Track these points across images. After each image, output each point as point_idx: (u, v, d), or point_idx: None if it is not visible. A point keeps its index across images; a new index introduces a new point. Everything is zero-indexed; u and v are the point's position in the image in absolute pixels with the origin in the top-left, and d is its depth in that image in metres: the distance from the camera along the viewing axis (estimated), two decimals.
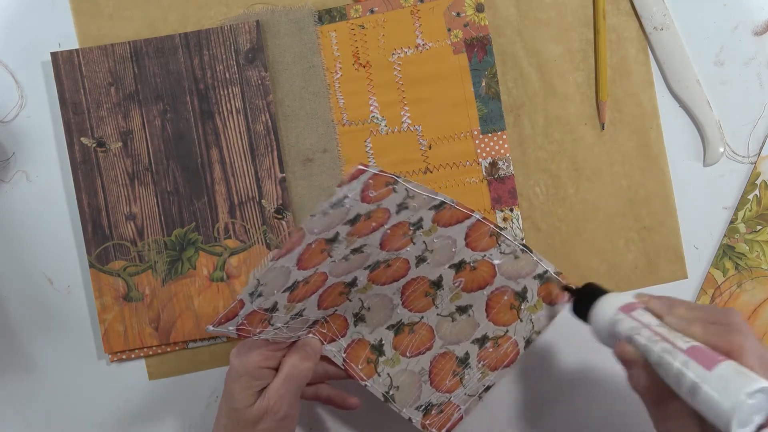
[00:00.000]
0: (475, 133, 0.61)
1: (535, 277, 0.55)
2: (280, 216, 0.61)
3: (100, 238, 0.61)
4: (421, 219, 0.52)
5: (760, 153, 0.61)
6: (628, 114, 0.62)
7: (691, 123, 0.62)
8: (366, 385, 0.56)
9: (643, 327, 0.44)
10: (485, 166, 0.61)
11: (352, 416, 0.63)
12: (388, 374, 0.57)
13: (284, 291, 0.50)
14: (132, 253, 0.61)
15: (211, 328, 0.48)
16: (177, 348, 0.62)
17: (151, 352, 0.62)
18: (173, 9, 0.61)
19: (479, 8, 0.61)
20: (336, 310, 0.55)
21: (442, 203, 0.51)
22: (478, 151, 0.61)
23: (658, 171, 0.62)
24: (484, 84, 0.61)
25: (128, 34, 0.61)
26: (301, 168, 0.61)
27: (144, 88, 0.61)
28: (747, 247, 0.61)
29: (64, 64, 0.60)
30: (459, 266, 0.56)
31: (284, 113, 0.61)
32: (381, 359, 0.57)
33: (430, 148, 0.61)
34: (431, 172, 0.61)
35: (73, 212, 0.62)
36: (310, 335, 0.55)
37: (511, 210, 0.61)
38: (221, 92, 0.61)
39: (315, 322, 0.55)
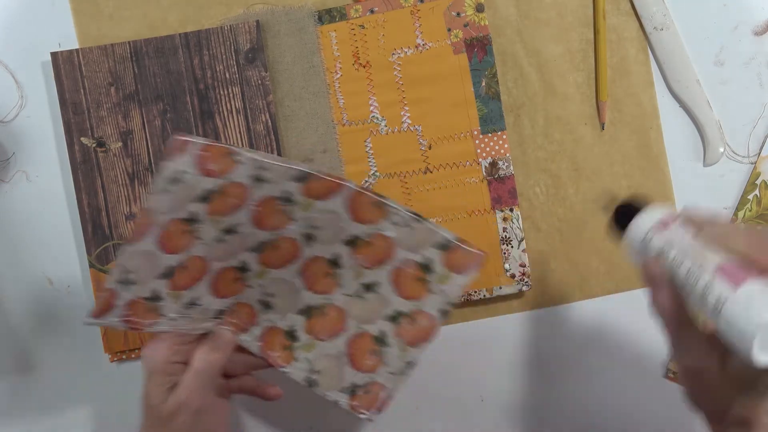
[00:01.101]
0: (475, 133, 0.61)
1: (436, 247, 0.53)
2: None
3: (100, 238, 0.61)
4: (288, 192, 0.51)
5: (760, 153, 0.61)
6: (628, 114, 0.62)
7: (691, 123, 0.62)
8: (286, 372, 0.55)
9: (675, 243, 0.40)
10: (485, 166, 0.61)
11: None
12: (307, 359, 0.55)
13: (161, 278, 0.49)
14: None
15: (87, 320, 0.48)
16: None
17: None
18: (173, 9, 0.61)
19: (479, 8, 0.61)
20: (239, 299, 0.54)
21: (306, 174, 0.50)
22: (478, 151, 0.61)
23: (658, 171, 0.62)
24: (484, 84, 0.61)
25: (128, 34, 0.61)
26: None
27: (144, 88, 0.61)
28: None
29: (64, 64, 0.60)
30: (354, 242, 0.54)
31: (284, 113, 0.61)
32: (296, 345, 0.55)
33: (430, 148, 0.61)
34: (431, 172, 0.61)
35: (73, 212, 0.62)
36: (224, 327, 0.54)
37: (511, 210, 0.61)
38: (221, 92, 0.61)
39: (222, 312, 0.54)
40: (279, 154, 0.61)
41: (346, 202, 0.52)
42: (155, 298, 0.50)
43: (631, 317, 0.62)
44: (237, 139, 0.61)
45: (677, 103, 0.62)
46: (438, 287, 0.54)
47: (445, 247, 0.53)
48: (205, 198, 0.48)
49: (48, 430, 0.63)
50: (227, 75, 0.61)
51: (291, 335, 0.55)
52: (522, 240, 0.61)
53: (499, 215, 0.61)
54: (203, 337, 0.53)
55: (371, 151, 0.61)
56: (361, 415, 0.55)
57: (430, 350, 0.63)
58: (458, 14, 0.61)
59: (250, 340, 0.55)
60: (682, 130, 0.62)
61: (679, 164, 0.62)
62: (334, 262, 0.54)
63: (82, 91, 0.61)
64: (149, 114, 0.61)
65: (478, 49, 0.61)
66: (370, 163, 0.61)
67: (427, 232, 0.53)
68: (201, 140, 0.47)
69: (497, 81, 0.61)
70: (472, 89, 0.61)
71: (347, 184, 0.51)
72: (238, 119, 0.61)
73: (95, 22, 0.62)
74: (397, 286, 0.54)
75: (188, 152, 0.46)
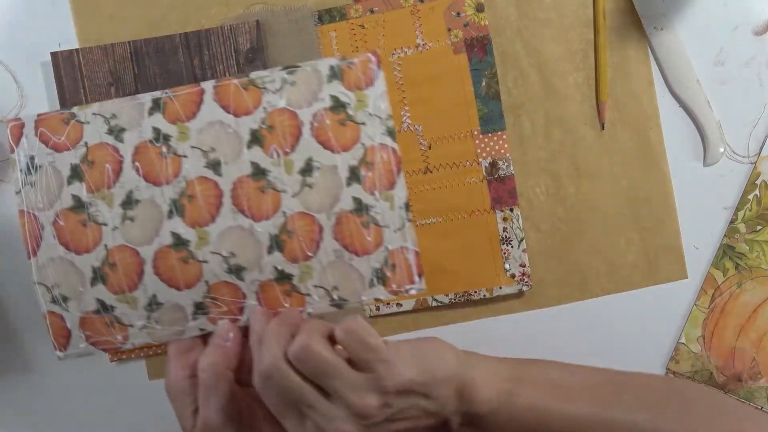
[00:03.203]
0: (475, 133, 0.61)
1: (329, 80, 0.47)
2: None
3: None
4: (155, 129, 0.46)
5: (760, 153, 0.61)
6: (628, 114, 0.62)
7: (691, 123, 0.62)
8: (309, 313, 0.48)
9: None
10: (485, 166, 0.61)
11: None
12: (314, 285, 0.48)
13: (93, 284, 0.45)
14: None
15: (60, 354, 0.45)
16: None
17: (151, 352, 0.62)
18: (173, 9, 0.61)
19: (479, 8, 0.61)
20: (207, 282, 0.47)
21: (157, 100, 0.46)
22: (478, 151, 0.61)
23: (658, 171, 0.62)
24: (484, 84, 0.61)
25: (128, 34, 0.61)
26: None
27: (144, 88, 0.61)
28: (747, 247, 0.61)
29: (64, 64, 0.60)
30: (256, 138, 0.47)
31: None
32: (294, 281, 0.48)
33: (430, 148, 0.61)
34: (431, 172, 0.61)
35: None
36: (221, 322, 0.47)
37: (511, 210, 0.61)
38: None
39: (201, 306, 0.47)
40: None
41: (218, 104, 0.46)
42: (104, 308, 0.45)
43: (631, 317, 0.62)
44: None
45: (677, 103, 0.62)
46: (364, 114, 0.47)
47: (336, 74, 0.47)
48: (76, 175, 0.44)
49: (48, 430, 0.63)
50: (227, 75, 0.61)
51: (283, 277, 0.48)
52: (522, 240, 0.61)
53: (499, 215, 0.61)
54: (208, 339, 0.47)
55: None
56: (411, 291, 0.48)
57: None
58: (458, 14, 0.61)
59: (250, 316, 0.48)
60: (682, 130, 0.62)
61: (679, 164, 0.62)
62: (258, 172, 0.47)
63: (82, 91, 0.61)
64: None
65: (478, 49, 0.61)
66: None
67: (311, 74, 0.47)
68: (31, 117, 0.43)
69: (497, 81, 0.61)
70: (472, 89, 0.61)
71: (203, 86, 0.46)
72: None
73: (95, 22, 0.62)
74: (329, 146, 0.47)
75: (25, 134, 0.44)
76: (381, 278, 0.48)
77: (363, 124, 0.47)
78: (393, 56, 0.61)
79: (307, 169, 0.47)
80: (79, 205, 0.44)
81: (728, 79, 0.61)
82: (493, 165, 0.61)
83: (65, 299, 0.44)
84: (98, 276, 0.45)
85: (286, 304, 0.47)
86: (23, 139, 0.43)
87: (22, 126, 0.44)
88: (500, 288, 0.61)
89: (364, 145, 0.47)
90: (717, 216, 0.62)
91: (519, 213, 0.61)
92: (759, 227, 0.61)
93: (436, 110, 0.61)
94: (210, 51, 0.61)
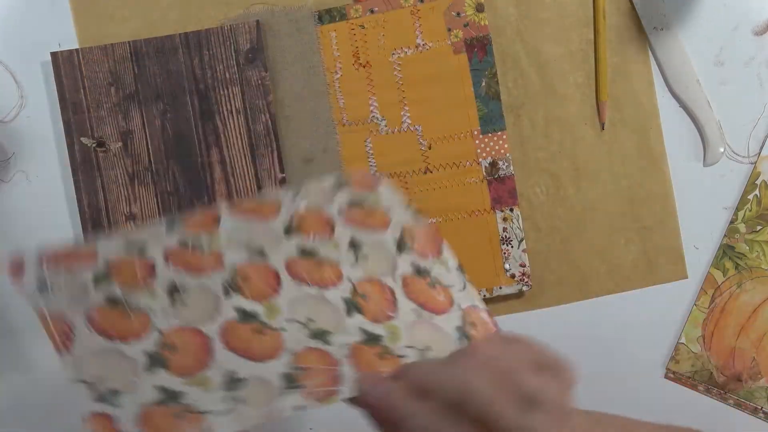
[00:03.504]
0: (475, 133, 0.61)
1: (337, 188, 0.47)
2: None
3: None
4: (182, 240, 0.42)
5: (760, 153, 0.61)
6: (628, 114, 0.62)
7: (691, 123, 0.62)
8: None
9: None
10: (485, 166, 0.61)
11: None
12: (405, 345, 0.43)
13: (151, 369, 0.38)
14: None
15: None
16: None
17: None
18: (173, 9, 0.61)
19: (479, 8, 0.61)
20: (291, 350, 0.41)
21: (171, 223, 0.42)
22: (478, 151, 0.61)
23: (658, 171, 0.62)
24: (484, 84, 0.61)
25: (128, 34, 0.61)
26: (301, 168, 0.61)
27: (144, 88, 0.61)
28: (747, 247, 0.61)
29: (64, 64, 0.60)
30: (291, 229, 0.45)
31: (284, 113, 0.61)
32: (385, 342, 0.43)
33: (430, 148, 0.61)
34: (431, 172, 0.61)
35: (73, 212, 0.62)
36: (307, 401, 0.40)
37: (511, 210, 0.61)
38: (221, 92, 0.61)
39: (291, 379, 0.40)
40: (279, 154, 0.61)
41: (238, 215, 0.44)
42: (170, 396, 0.38)
43: (631, 317, 0.62)
44: (237, 139, 0.61)
45: (677, 103, 0.62)
46: (384, 205, 0.47)
47: (342, 183, 0.46)
48: (103, 277, 0.39)
49: (48, 430, 0.63)
50: (227, 75, 0.61)
51: (371, 338, 0.43)
52: (522, 240, 0.61)
53: (499, 215, 0.61)
54: None
55: (371, 151, 0.62)
56: None
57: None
58: (458, 14, 0.61)
59: (350, 386, 0.41)
60: (682, 130, 0.62)
61: (679, 164, 0.62)
62: (307, 252, 0.44)
63: (82, 91, 0.61)
64: (149, 114, 0.61)
65: (478, 49, 0.61)
66: (370, 163, 0.62)
67: (317, 189, 0.46)
68: (32, 257, 0.38)
69: (497, 81, 0.61)
70: (472, 89, 0.61)
71: (217, 208, 0.44)
72: (238, 119, 0.61)
73: (95, 22, 0.62)
74: (366, 227, 0.46)
75: (26, 272, 0.38)
76: (467, 336, 0.45)
77: (386, 211, 0.46)
78: (393, 56, 0.61)
79: (355, 245, 0.45)
80: (114, 300, 0.39)
81: (728, 79, 0.61)
82: (493, 165, 0.61)
83: (115, 394, 0.37)
84: (156, 360, 0.38)
85: (382, 369, 0.41)
86: (27, 273, 0.38)
87: (20, 267, 0.38)
88: (500, 288, 0.61)
89: (398, 224, 0.46)
90: (717, 216, 0.62)
91: (519, 213, 0.61)
92: (759, 227, 0.61)
93: (436, 110, 0.61)
94: (210, 51, 0.61)
